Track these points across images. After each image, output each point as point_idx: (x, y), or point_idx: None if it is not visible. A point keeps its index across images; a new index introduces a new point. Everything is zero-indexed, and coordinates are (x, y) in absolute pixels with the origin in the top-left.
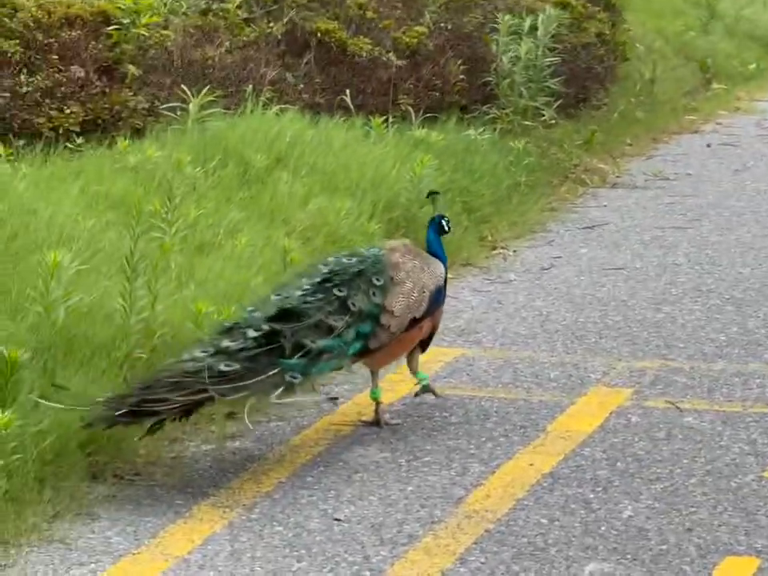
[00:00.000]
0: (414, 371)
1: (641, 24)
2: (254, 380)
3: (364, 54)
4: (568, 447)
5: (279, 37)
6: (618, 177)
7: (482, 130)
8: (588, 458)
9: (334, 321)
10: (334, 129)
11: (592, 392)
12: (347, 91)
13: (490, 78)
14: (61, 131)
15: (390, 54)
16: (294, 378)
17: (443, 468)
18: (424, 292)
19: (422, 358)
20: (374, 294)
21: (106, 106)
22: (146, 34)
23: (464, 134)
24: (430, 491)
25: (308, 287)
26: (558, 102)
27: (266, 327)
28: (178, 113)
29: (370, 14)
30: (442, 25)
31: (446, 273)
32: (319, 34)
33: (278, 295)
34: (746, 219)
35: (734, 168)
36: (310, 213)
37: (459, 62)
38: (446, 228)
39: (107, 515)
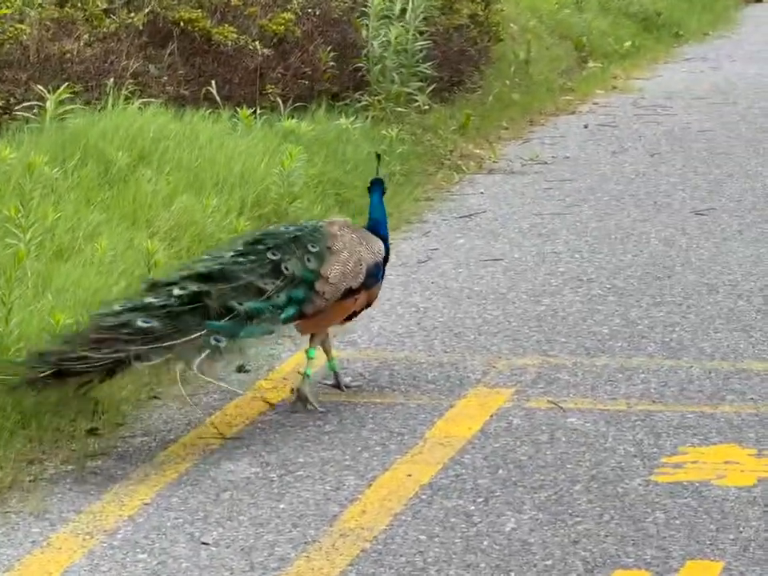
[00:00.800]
0: (313, 345)
1: (515, 3)
2: (178, 341)
3: (229, 44)
4: (447, 455)
5: (141, 27)
6: (494, 162)
7: (353, 118)
8: (468, 466)
9: (264, 284)
10: (200, 122)
11: (472, 393)
12: (213, 82)
13: (361, 64)
14: None
15: (257, 43)
16: (219, 340)
17: (317, 482)
18: (361, 264)
19: (293, 366)
20: (308, 260)
21: None
22: None
23: (335, 123)
24: (303, 509)
25: (240, 248)
26: (432, 87)
27: (193, 287)
28: (36, 110)
29: (234, 1)
30: (310, 10)
31: (388, 251)
32: (182, 24)
33: (209, 255)
34: (626, 203)
35: (612, 150)
36: (174, 212)
37: (329, 48)
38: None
39: None
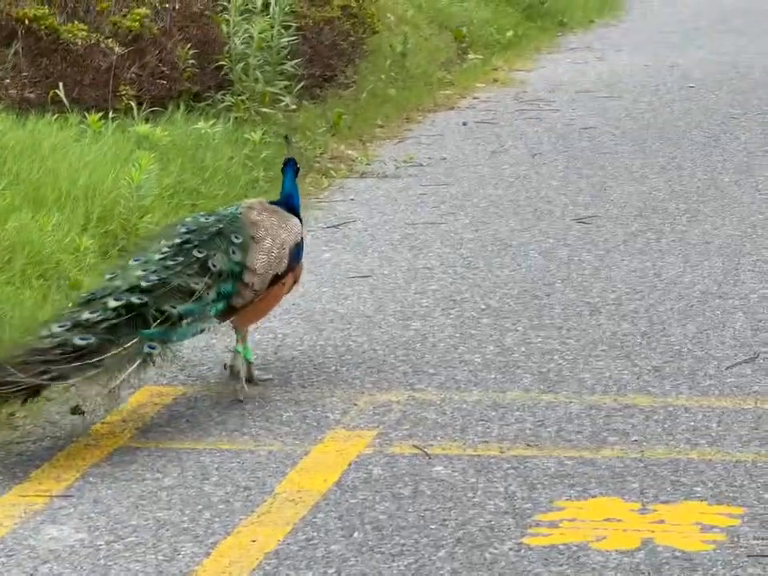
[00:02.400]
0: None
1: None
2: (108, 353)
3: (79, 42)
4: (298, 514)
5: None
6: (367, 164)
7: (213, 122)
8: (321, 528)
9: (195, 283)
10: (45, 129)
11: (329, 437)
12: (60, 84)
13: (224, 63)
14: None
15: (110, 41)
16: (152, 347)
17: (149, 551)
18: (284, 248)
19: (134, 407)
20: (233, 252)
21: None
22: None
23: (193, 127)
24: None
25: (167, 250)
26: (301, 85)
27: (133, 299)
28: None
29: None
30: (167, 5)
31: (304, 227)
32: (27, 21)
33: (138, 260)
34: (504, 210)
35: (491, 149)
36: (9, 231)
37: (188, 45)
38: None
39: None
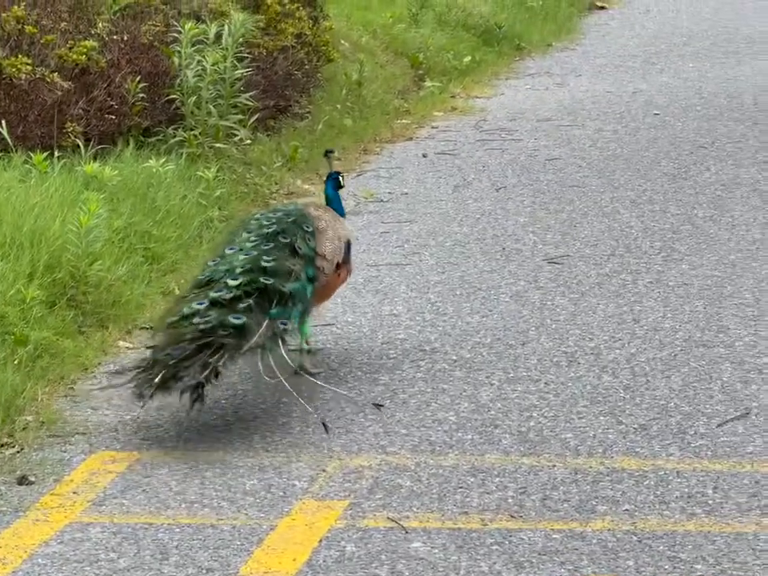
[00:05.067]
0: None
1: (345, 18)
2: (258, 334)
3: (23, 77)
4: None
5: None
6: None
7: (164, 159)
8: None
9: (292, 265)
10: None
11: (297, 509)
12: (2, 122)
13: (175, 96)
14: None
15: (55, 75)
16: (284, 323)
17: None
18: (341, 240)
19: (86, 475)
20: (308, 239)
21: None
22: None
23: (143, 165)
24: None
25: (256, 239)
26: (255, 117)
27: (261, 279)
28: None
29: (30, 29)
30: (115, 37)
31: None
32: None
33: (233, 249)
34: (471, 250)
35: (454, 183)
36: None
37: (138, 78)
38: (342, 183)
39: None
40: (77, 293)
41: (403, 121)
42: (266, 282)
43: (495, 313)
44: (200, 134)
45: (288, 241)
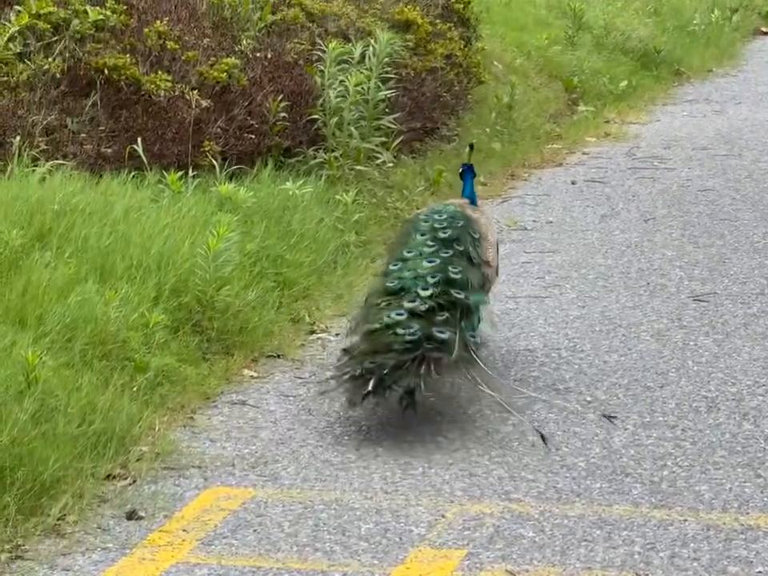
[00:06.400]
0: None
1: (500, 38)
2: (456, 347)
3: (162, 93)
4: None
5: (58, 75)
6: None
7: (302, 181)
8: None
9: (472, 276)
10: (119, 189)
11: (412, 557)
12: (138, 139)
13: (317, 116)
14: None
15: (195, 92)
16: (474, 337)
17: None
18: (495, 244)
19: (198, 512)
20: (477, 246)
21: None
22: None
23: (281, 187)
24: None
25: (433, 244)
26: (400, 139)
27: (454, 293)
28: None
29: (171, 45)
30: (258, 54)
31: None
32: (107, 71)
33: (411, 252)
34: (614, 283)
35: (602, 213)
36: (71, 307)
37: (280, 97)
38: (475, 172)
39: None
40: (202, 318)
41: (554, 146)
42: (458, 296)
43: (634, 352)
44: (341, 155)
45: (463, 249)
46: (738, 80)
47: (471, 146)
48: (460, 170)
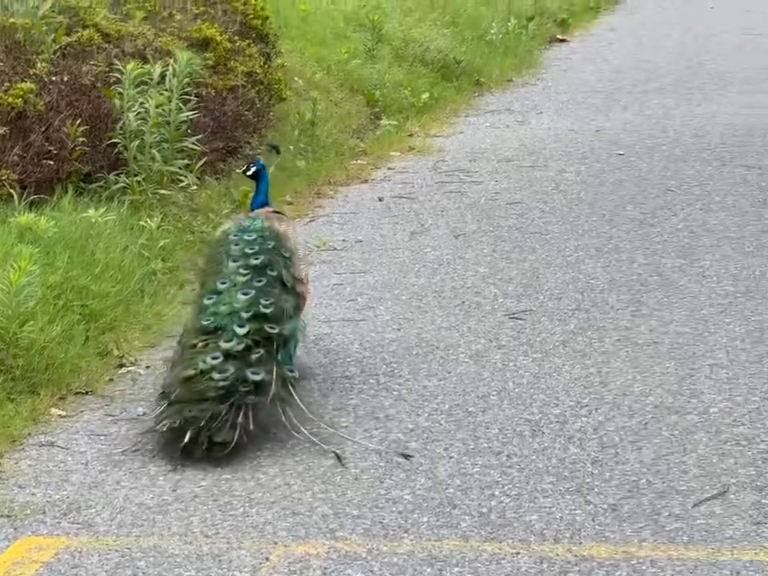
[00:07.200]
0: None
1: (299, 53)
2: (273, 383)
3: None
4: None
5: None
6: None
7: (105, 208)
8: None
9: (285, 301)
10: None
11: None
12: None
13: (117, 140)
14: None
15: None
16: (291, 371)
17: None
18: (304, 256)
19: (8, 565)
20: (289, 266)
21: None
22: None
23: (82, 215)
24: None
25: (246, 272)
26: (203, 161)
27: (267, 328)
28: None
29: None
30: (54, 78)
31: None
32: None
33: (225, 283)
34: (429, 303)
35: (411, 230)
36: None
37: (78, 121)
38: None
39: None
40: (6, 356)
41: (359, 162)
42: (271, 331)
43: (453, 375)
44: (144, 180)
45: (276, 274)
46: (537, 89)
47: (275, 147)
48: (253, 169)
